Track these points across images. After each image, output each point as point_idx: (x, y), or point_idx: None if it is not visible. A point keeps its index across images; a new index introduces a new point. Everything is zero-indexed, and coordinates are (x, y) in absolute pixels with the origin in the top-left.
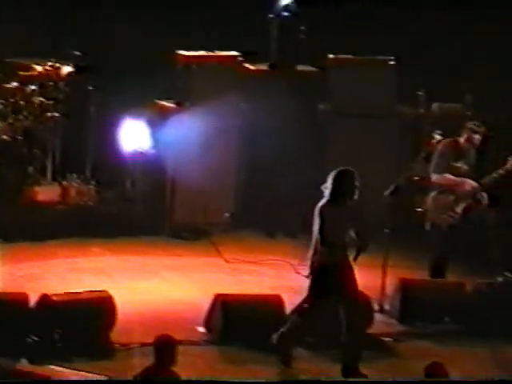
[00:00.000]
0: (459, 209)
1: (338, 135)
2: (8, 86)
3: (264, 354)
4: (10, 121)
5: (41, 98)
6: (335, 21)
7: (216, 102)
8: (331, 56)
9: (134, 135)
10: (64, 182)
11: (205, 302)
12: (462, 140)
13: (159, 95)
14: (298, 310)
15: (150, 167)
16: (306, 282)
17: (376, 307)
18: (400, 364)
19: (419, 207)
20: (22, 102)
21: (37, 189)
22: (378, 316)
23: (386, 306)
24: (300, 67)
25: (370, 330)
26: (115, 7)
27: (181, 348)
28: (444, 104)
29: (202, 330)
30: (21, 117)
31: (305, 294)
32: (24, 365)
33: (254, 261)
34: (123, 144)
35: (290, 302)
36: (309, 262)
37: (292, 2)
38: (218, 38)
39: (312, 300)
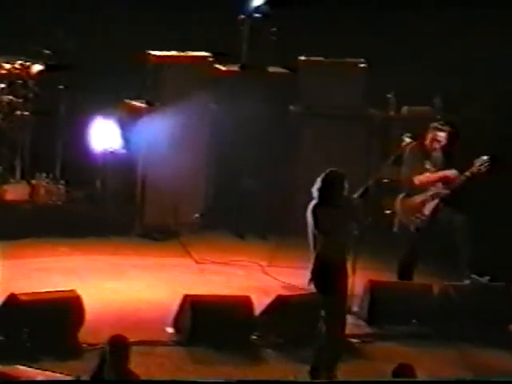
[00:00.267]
0: (427, 211)
1: (309, 137)
2: None
3: (232, 354)
4: None
5: (10, 97)
6: (306, 22)
7: (186, 102)
8: (302, 58)
9: (104, 135)
10: (33, 181)
11: (174, 303)
12: (427, 141)
13: (130, 95)
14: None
15: (120, 167)
16: (275, 283)
17: None
18: (368, 365)
19: (388, 209)
20: None
21: (5, 187)
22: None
23: (355, 308)
24: (271, 68)
25: None
26: (89, 6)
27: (149, 348)
28: (413, 107)
29: (170, 330)
30: None
31: (273, 295)
32: None
33: (224, 261)
34: (93, 143)
35: (259, 303)
36: (310, 266)
37: (264, 4)
38: (189, 39)
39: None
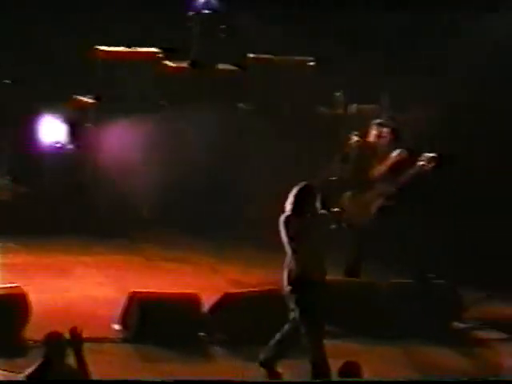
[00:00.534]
0: (373, 209)
1: (258, 134)
2: None
3: (180, 351)
4: None
5: None
6: (257, 19)
7: (135, 98)
8: (251, 55)
9: (52, 131)
10: None
11: (122, 300)
12: (372, 138)
13: (78, 90)
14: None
15: (69, 163)
16: (223, 280)
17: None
18: None
19: (336, 207)
20: None
21: None
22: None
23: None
24: (221, 66)
25: None
26: (37, 2)
27: (96, 346)
28: (361, 105)
29: (118, 327)
30: None
31: (222, 292)
32: None
33: (173, 259)
34: (41, 139)
35: (208, 301)
36: (285, 273)
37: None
38: (139, 35)
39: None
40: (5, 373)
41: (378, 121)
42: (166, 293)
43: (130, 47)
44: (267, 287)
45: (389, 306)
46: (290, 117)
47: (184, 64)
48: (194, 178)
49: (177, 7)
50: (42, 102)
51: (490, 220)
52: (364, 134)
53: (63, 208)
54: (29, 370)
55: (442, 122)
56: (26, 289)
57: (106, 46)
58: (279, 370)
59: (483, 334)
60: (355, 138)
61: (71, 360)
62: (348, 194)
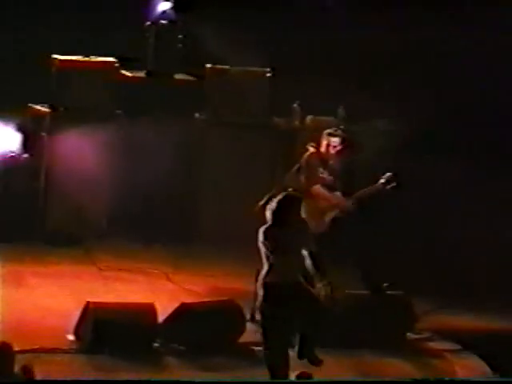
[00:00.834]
0: (327, 218)
1: (214, 145)
2: None
3: (135, 362)
4: None
5: None
6: (214, 30)
7: (91, 107)
8: (208, 65)
9: (5, 139)
10: None
11: (76, 310)
12: (322, 149)
13: (33, 99)
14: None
15: (23, 172)
16: (179, 290)
17: (247, 316)
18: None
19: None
20: None
21: None
22: (249, 325)
23: (258, 316)
24: (177, 75)
25: (241, 339)
26: None
27: (48, 356)
28: (317, 117)
29: (71, 338)
30: None
31: (178, 303)
32: None
33: (128, 269)
34: None
35: (163, 311)
36: (260, 282)
37: (170, 9)
38: (95, 44)
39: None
40: None
41: (328, 131)
42: (120, 303)
43: (86, 56)
44: (223, 297)
45: (342, 316)
46: (246, 127)
47: (140, 73)
48: (149, 187)
49: (134, 17)
50: None
51: (445, 233)
52: (319, 146)
53: (16, 217)
54: None
55: (401, 135)
56: None
57: (62, 54)
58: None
59: (436, 345)
60: (312, 149)
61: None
62: (304, 203)
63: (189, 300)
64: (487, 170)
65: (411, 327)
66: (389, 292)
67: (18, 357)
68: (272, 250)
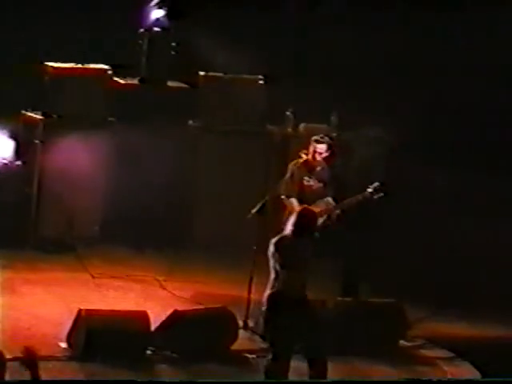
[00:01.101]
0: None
1: (207, 152)
2: None
3: (127, 369)
4: None
5: None
6: (206, 37)
7: (84, 115)
8: (202, 73)
9: None
10: None
11: (68, 318)
12: (309, 156)
13: (26, 106)
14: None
15: (15, 179)
16: (172, 298)
17: (240, 324)
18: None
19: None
20: None
21: None
22: (242, 332)
23: (250, 323)
24: (170, 83)
25: (234, 346)
26: None
27: (41, 364)
28: (310, 124)
29: (64, 345)
30: None
31: (170, 310)
32: None
33: (120, 276)
34: None
35: (156, 318)
36: (267, 293)
37: (163, 17)
38: (88, 51)
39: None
40: None
41: (315, 137)
42: (113, 310)
43: (79, 63)
44: (216, 305)
45: (335, 323)
46: (239, 135)
47: (133, 81)
48: (143, 194)
49: (127, 24)
50: None
51: (439, 240)
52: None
53: (8, 223)
54: None
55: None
56: None
57: (55, 61)
58: None
59: (428, 352)
60: (304, 156)
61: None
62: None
63: (181, 307)
64: (483, 177)
65: (404, 334)
66: (382, 300)
67: (10, 364)
68: (281, 261)
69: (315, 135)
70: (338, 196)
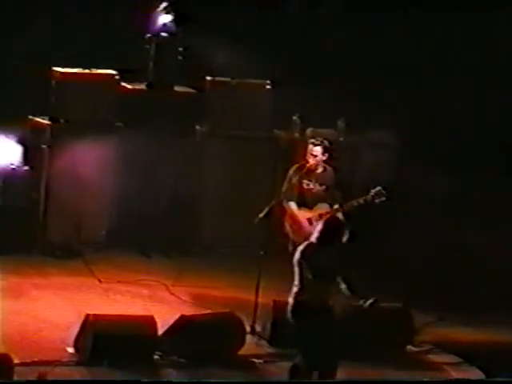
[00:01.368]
0: (316, 227)
1: (214, 157)
2: None
3: (134, 374)
4: None
5: None
6: (213, 42)
7: (91, 120)
8: (208, 78)
9: (6, 151)
10: None
11: (76, 323)
12: (308, 159)
13: (33, 111)
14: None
15: (22, 184)
16: (179, 302)
17: (248, 328)
18: None
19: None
20: None
21: None
22: (249, 337)
23: (258, 328)
24: (177, 88)
25: (241, 351)
26: None
27: (49, 368)
28: (317, 129)
29: (71, 350)
30: None
31: (177, 314)
32: None
33: (128, 281)
34: None
35: (163, 323)
36: (290, 302)
37: (170, 22)
38: (95, 56)
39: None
40: None
41: (312, 140)
42: (120, 315)
43: (86, 68)
44: (223, 309)
45: (341, 328)
46: (246, 139)
47: (141, 86)
48: (150, 199)
49: (134, 29)
50: None
51: (445, 245)
52: None
53: (16, 229)
54: None
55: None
56: None
57: (62, 67)
58: None
59: (436, 357)
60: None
61: None
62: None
63: (189, 312)
64: (493, 179)
65: (411, 340)
66: (388, 304)
67: (18, 369)
68: (307, 269)
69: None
70: (339, 200)
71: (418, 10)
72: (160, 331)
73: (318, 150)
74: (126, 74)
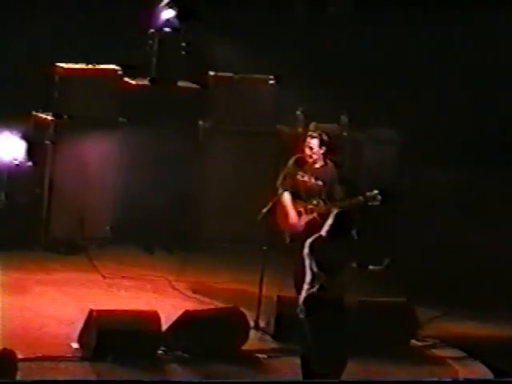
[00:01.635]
0: (302, 222)
1: (218, 152)
2: None
3: (138, 369)
4: None
5: None
6: (216, 37)
7: (95, 115)
8: (211, 73)
9: (9, 147)
10: None
11: (80, 318)
12: (305, 151)
13: (36, 107)
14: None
15: (26, 180)
16: (183, 298)
17: (251, 323)
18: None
19: None
20: None
21: None
22: (253, 332)
23: (262, 323)
24: (181, 83)
25: (245, 347)
26: None
27: (52, 364)
28: (321, 124)
29: (75, 345)
30: None
31: (181, 310)
32: None
33: (131, 276)
34: None
35: (167, 318)
36: (302, 295)
37: (173, 17)
38: (98, 51)
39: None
40: None
41: (310, 132)
42: (124, 310)
43: (89, 64)
44: (227, 304)
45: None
46: (249, 135)
47: (144, 81)
48: (153, 194)
49: (137, 24)
50: (0, 118)
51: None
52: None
53: (19, 224)
54: None
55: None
56: None
57: (66, 62)
58: None
59: (440, 352)
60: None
61: None
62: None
63: (192, 307)
64: (495, 177)
65: (415, 334)
66: (392, 299)
67: (22, 364)
68: (316, 262)
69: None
70: (335, 196)
71: (417, 10)
72: (164, 326)
73: (314, 142)
74: (129, 70)
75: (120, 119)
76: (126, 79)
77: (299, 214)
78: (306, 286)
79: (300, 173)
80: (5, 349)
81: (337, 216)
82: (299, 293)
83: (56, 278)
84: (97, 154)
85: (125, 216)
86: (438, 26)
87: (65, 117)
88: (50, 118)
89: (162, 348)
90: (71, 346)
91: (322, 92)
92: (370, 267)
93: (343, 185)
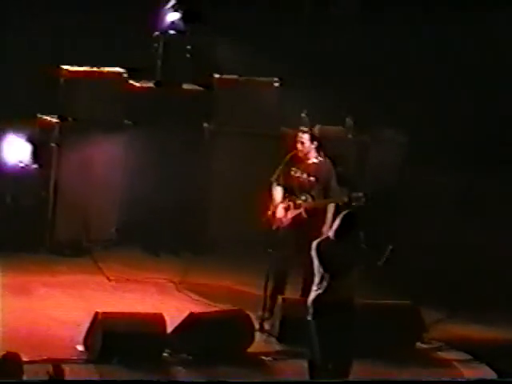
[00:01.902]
0: (289, 215)
1: (222, 154)
2: None
3: (143, 372)
4: None
5: None
6: (221, 40)
7: (100, 118)
8: (216, 76)
9: (15, 149)
10: None
11: (85, 321)
12: (297, 146)
13: (42, 110)
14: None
15: (32, 182)
16: (188, 300)
17: (256, 326)
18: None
19: None
20: None
21: None
22: (258, 335)
23: (267, 325)
24: (186, 85)
25: (250, 349)
26: None
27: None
28: (326, 126)
29: (81, 348)
30: None
31: (186, 312)
32: None
33: (136, 278)
34: (4, 158)
35: (172, 321)
36: (311, 297)
37: (178, 20)
38: (104, 54)
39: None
40: None
41: (301, 127)
42: (129, 313)
43: (94, 66)
44: (232, 307)
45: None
46: (254, 137)
47: (149, 84)
48: (158, 197)
49: (142, 27)
50: (6, 121)
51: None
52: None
53: (25, 227)
54: None
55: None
56: None
57: (71, 65)
58: None
59: (445, 355)
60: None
61: None
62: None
63: (197, 310)
64: (496, 178)
65: (420, 337)
66: (398, 302)
67: (27, 367)
68: (323, 264)
69: (332, 137)
70: (326, 194)
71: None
72: (169, 329)
73: (305, 137)
74: (134, 72)
75: (125, 121)
76: (131, 82)
77: (288, 208)
78: (313, 288)
79: (293, 168)
80: (10, 352)
81: (344, 217)
82: (304, 295)
83: (61, 281)
84: (102, 157)
85: (130, 218)
86: (435, 25)
87: (70, 119)
88: (55, 120)
89: (167, 350)
90: (76, 349)
91: (327, 94)
92: (379, 263)
93: (340, 183)
